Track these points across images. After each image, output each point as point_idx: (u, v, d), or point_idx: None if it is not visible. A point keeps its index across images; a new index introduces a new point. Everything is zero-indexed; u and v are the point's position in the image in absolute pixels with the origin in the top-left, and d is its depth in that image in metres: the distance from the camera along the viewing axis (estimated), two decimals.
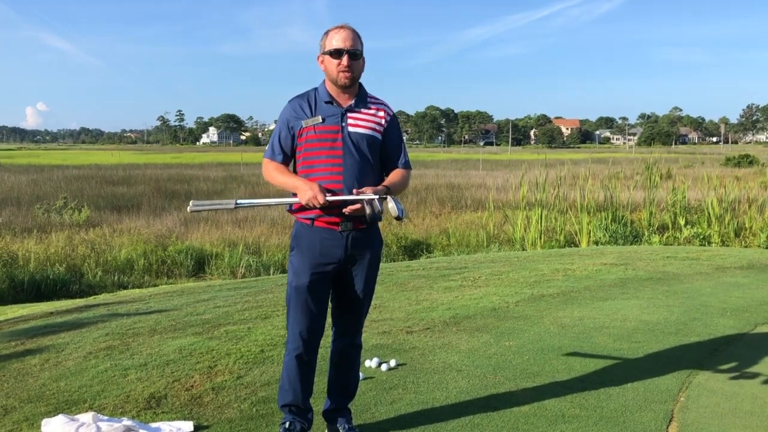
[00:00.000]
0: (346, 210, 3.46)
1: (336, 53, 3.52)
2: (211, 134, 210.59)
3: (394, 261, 16.72)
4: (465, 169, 52.30)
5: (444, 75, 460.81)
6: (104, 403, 4.25)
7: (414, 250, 18.93)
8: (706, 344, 5.65)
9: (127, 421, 3.78)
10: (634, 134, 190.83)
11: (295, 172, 3.69)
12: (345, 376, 3.89)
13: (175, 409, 4.18)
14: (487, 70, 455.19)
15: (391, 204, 3.40)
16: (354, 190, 3.46)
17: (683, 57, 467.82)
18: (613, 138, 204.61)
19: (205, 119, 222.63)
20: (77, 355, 5.33)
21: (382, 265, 12.51)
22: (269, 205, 3.74)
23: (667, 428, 3.95)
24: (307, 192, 3.41)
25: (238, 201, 3.64)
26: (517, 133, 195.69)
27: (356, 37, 3.56)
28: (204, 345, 5.52)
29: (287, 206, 3.66)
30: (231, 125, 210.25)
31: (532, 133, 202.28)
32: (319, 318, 3.67)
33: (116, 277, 14.93)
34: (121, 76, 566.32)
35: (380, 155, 3.69)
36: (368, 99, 3.71)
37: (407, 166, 3.77)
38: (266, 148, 3.73)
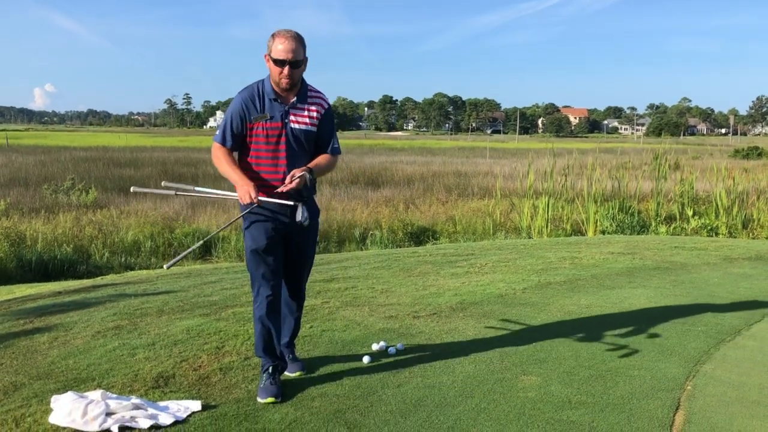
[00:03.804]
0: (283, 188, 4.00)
1: (279, 63, 3.97)
2: (218, 118, 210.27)
3: (400, 247, 16.73)
4: (472, 157, 52.17)
5: (452, 62, 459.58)
6: (113, 382, 4.28)
7: (420, 236, 18.93)
8: (713, 334, 5.63)
9: (135, 400, 3.80)
10: (643, 124, 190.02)
11: (242, 160, 4.20)
12: (289, 321, 4.55)
13: (183, 388, 4.19)
14: (496, 58, 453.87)
15: (299, 211, 4.02)
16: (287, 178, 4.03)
17: (693, 47, 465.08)
18: (621, 128, 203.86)
19: (213, 103, 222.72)
20: (86, 334, 5.36)
21: (388, 250, 12.60)
22: (210, 196, 4.29)
23: (674, 416, 3.95)
24: (243, 188, 3.97)
25: (196, 188, 4.43)
26: (525, 121, 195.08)
27: (299, 47, 3.99)
28: (212, 326, 5.54)
29: None
30: None
31: (539, 121, 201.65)
32: (277, 269, 4.23)
33: (123, 259, 15.00)
34: (130, 59, 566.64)
35: (315, 143, 4.23)
36: (308, 94, 4.19)
37: (336, 152, 4.32)
38: (216, 133, 4.19)
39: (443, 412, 3.93)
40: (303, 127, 4.12)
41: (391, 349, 4.99)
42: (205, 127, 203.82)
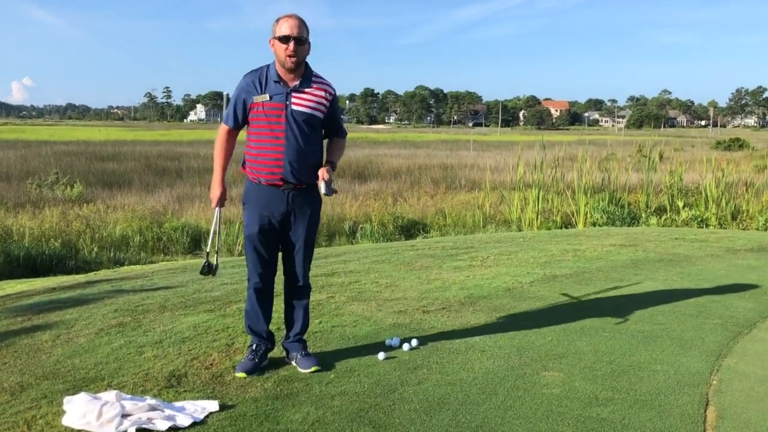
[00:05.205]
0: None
1: (284, 39, 4.04)
2: (199, 111, 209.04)
3: (391, 240, 16.62)
4: (455, 149, 52.12)
5: (434, 55, 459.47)
6: (123, 381, 4.12)
7: (411, 229, 18.83)
8: (729, 327, 5.55)
9: (151, 400, 3.64)
10: (623, 117, 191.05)
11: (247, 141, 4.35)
12: (296, 312, 4.53)
13: (196, 387, 4.05)
14: (477, 51, 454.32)
15: (321, 185, 4.20)
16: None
17: (673, 40, 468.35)
18: (601, 120, 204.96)
19: (193, 96, 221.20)
20: (88, 332, 5.19)
21: (384, 243, 12.48)
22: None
23: (705, 412, 3.85)
24: (213, 191, 4.37)
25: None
26: (507, 114, 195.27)
27: (302, 25, 4.10)
28: (219, 322, 5.39)
29: (241, 163, 4.40)
30: (218, 103, 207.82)
31: (521, 114, 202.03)
32: (269, 259, 4.36)
33: (112, 254, 14.76)
34: (109, 52, 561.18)
35: (323, 128, 4.33)
36: (313, 79, 4.23)
37: (343, 135, 4.49)
38: (224, 115, 4.37)
39: (469, 410, 3.81)
40: (305, 110, 4.15)
41: (406, 345, 4.87)
42: (185, 120, 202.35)
